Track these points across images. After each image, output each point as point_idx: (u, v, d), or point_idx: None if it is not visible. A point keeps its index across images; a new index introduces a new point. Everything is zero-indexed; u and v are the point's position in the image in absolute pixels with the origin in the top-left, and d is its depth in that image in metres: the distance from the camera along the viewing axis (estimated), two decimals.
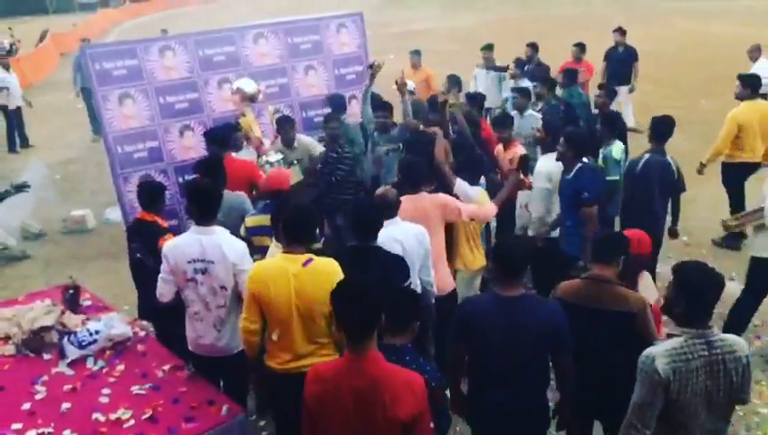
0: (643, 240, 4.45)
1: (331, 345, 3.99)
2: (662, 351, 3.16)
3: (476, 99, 7.99)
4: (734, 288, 7.04)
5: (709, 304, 3.22)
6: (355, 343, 2.98)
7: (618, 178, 6.61)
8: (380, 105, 7.32)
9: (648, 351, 3.21)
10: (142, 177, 6.76)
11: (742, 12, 26.22)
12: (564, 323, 3.78)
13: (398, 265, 4.44)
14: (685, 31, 21.75)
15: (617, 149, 6.69)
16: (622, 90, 11.41)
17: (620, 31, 12.14)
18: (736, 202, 8.24)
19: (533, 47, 11.51)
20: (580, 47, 11.31)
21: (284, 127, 7.01)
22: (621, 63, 11.96)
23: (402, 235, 4.66)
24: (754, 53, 11.04)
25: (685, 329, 3.21)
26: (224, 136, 6.46)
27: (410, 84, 9.06)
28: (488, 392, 3.82)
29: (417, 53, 11.26)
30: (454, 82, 9.49)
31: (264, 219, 4.97)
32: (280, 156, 6.77)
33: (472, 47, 13.28)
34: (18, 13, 42.82)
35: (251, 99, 6.85)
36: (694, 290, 3.19)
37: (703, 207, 8.90)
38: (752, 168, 7.98)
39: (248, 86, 6.84)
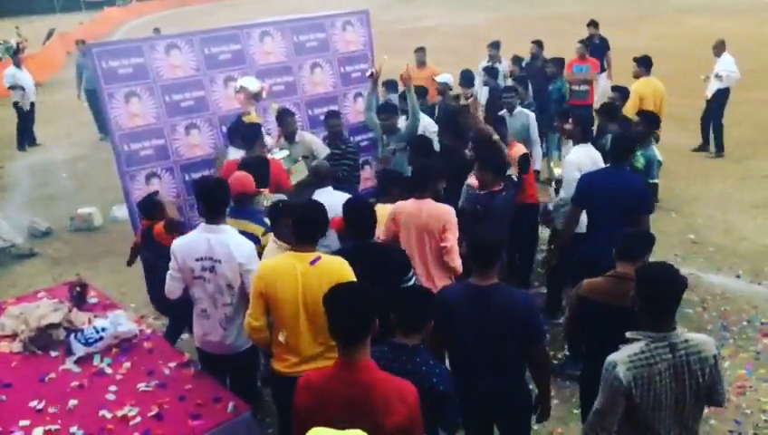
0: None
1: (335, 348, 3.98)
2: (624, 357, 3.11)
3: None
4: (740, 286, 7.06)
5: (669, 308, 3.17)
6: (346, 350, 2.89)
7: (658, 181, 6.68)
8: (383, 108, 7.35)
9: (611, 357, 3.16)
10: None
11: (751, 9, 26.11)
12: (535, 313, 3.80)
13: (398, 260, 4.47)
14: (693, 28, 21.71)
15: (655, 151, 6.70)
16: (601, 77, 11.80)
17: (594, 24, 12.78)
18: None
19: (539, 45, 11.50)
20: (585, 44, 11.29)
21: (285, 120, 6.99)
22: (596, 54, 12.14)
23: (333, 201, 4.88)
24: (718, 48, 11.13)
25: (647, 332, 3.15)
26: (245, 133, 6.47)
27: (448, 78, 9.25)
28: (468, 378, 3.83)
29: (422, 50, 11.26)
30: (466, 78, 9.53)
31: (239, 224, 4.86)
32: (285, 153, 6.76)
33: (479, 45, 13.28)
34: (25, 12, 42.95)
35: (254, 97, 6.86)
36: (653, 294, 3.15)
37: (708, 205, 8.88)
38: None
39: (251, 84, 6.85)
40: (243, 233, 4.61)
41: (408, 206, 5.05)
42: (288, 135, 6.99)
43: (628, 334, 3.21)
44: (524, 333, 3.71)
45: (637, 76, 9.30)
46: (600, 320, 3.91)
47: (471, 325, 3.72)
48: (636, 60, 9.42)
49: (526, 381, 3.96)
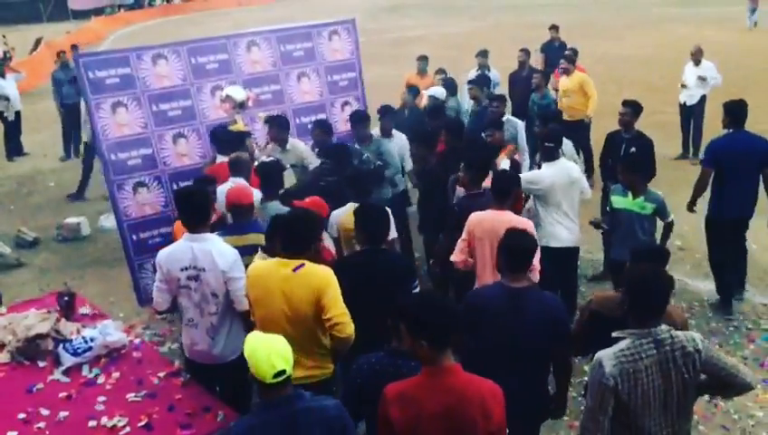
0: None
1: (322, 357, 3.99)
2: (609, 354, 3.18)
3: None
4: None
5: (654, 306, 3.22)
6: (438, 354, 2.92)
7: (672, 218, 6.05)
8: (353, 117, 7.40)
9: (598, 355, 3.23)
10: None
11: (735, 18, 26.34)
12: (565, 314, 3.92)
13: (405, 266, 4.54)
14: (679, 37, 21.88)
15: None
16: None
17: (555, 28, 13.59)
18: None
19: (526, 52, 11.56)
20: (573, 52, 11.35)
21: (276, 126, 6.97)
22: (557, 56, 12.24)
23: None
24: (697, 55, 11.19)
25: (632, 330, 3.22)
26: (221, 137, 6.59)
27: (437, 91, 9.38)
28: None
29: (424, 59, 11.28)
30: (448, 87, 9.57)
31: (237, 240, 4.81)
32: (273, 160, 6.76)
33: (466, 53, 13.34)
34: (12, 20, 42.70)
35: (240, 106, 6.88)
36: (638, 292, 3.23)
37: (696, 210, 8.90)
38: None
39: (237, 93, 6.88)
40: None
41: (485, 217, 4.98)
42: (279, 141, 6.96)
43: (614, 334, 3.27)
44: (555, 333, 3.80)
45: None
46: (610, 334, 3.92)
47: (501, 326, 3.77)
48: (565, 57, 10.63)
49: (547, 384, 4.03)
